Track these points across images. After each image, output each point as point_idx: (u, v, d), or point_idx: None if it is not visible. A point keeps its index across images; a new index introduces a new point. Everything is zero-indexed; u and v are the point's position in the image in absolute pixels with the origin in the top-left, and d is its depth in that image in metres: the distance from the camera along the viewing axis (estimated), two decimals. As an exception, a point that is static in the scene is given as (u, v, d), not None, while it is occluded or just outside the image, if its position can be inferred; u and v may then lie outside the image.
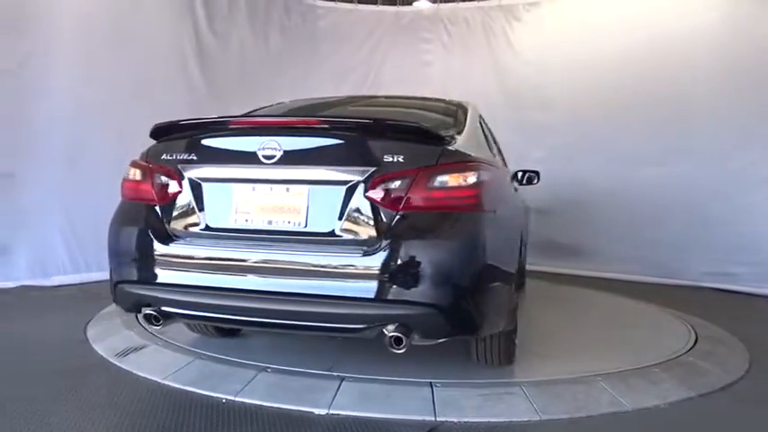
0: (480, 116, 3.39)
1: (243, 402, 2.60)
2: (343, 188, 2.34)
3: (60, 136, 5.11)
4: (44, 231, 5.10)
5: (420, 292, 2.23)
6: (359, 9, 7.75)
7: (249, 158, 2.43)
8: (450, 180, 2.33)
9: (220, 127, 2.59)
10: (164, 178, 2.59)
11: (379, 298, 2.26)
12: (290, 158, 2.40)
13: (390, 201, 2.30)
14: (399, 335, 2.25)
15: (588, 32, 6.66)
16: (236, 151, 2.52)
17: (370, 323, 2.29)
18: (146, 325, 3.56)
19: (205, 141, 2.60)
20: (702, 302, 5.18)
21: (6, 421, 2.37)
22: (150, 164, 2.65)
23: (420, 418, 2.49)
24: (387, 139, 2.39)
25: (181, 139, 2.63)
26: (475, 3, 7.52)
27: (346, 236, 2.35)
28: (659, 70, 6.16)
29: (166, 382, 2.81)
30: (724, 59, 5.83)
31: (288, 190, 2.43)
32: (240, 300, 2.40)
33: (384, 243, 2.27)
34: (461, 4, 7.61)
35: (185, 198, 2.54)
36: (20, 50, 4.98)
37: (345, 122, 2.55)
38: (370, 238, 2.31)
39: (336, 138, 2.45)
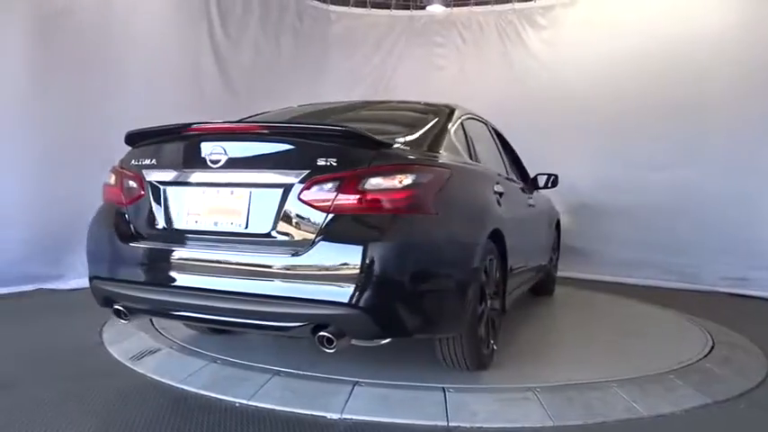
0: (465, 119, 3.45)
1: (256, 406, 2.60)
2: (280, 191, 2.43)
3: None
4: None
5: (345, 293, 2.26)
6: (372, 13, 7.78)
7: (199, 163, 2.56)
8: (382, 182, 2.37)
9: (177, 134, 2.70)
10: (131, 182, 2.78)
11: (307, 298, 2.31)
12: (234, 163, 2.51)
13: (321, 203, 2.37)
14: (328, 335, 2.31)
15: (604, 35, 6.63)
16: (189, 156, 2.65)
17: (300, 322, 2.35)
18: (156, 327, 3.63)
19: (165, 147, 2.76)
20: (719, 308, 5.12)
21: (22, 424, 2.39)
22: (122, 168, 2.85)
23: (432, 423, 2.48)
24: (321, 144, 2.45)
25: (147, 146, 2.80)
26: (489, 6, 7.53)
27: (281, 237, 2.44)
28: (675, 73, 6.13)
29: (180, 386, 2.82)
30: (741, 63, 5.77)
31: (232, 193, 2.55)
32: (188, 297, 2.53)
33: (313, 245, 2.33)
34: (475, 8, 7.61)
35: (147, 201, 2.71)
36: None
37: (283, 128, 2.64)
38: (303, 239, 2.38)
39: (275, 143, 2.56)
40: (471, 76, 7.33)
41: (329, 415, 2.53)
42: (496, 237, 3.03)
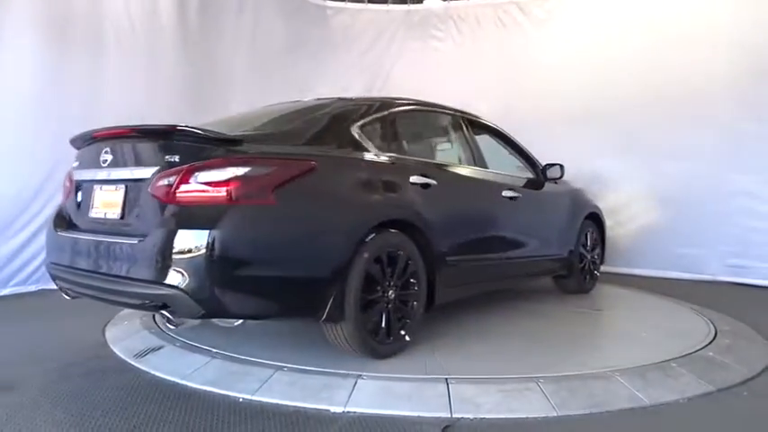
0: (401, 113, 3.61)
1: (260, 401, 2.62)
2: (141, 185, 2.74)
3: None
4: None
5: (171, 276, 2.51)
6: (369, 8, 7.76)
7: (97, 163, 2.97)
8: (212, 175, 2.58)
9: (90, 138, 3.08)
10: (68, 181, 3.28)
11: (146, 279, 2.60)
12: (115, 162, 2.91)
13: (163, 194, 2.62)
14: (165, 313, 2.62)
15: (603, 28, 6.62)
16: (93, 158, 3.03)
17: (146, 301, 2.64)
18: (163, 326, 3.64)
19: (84, 150, 3.18)
20: (721, 297, 5.12)
21: (26, 423, 2.40)
22: (70, 170, 3.30)
23: (436, 414, 2.49)
24: (170, 142, 2.72)
25: (79, 149, 3.24)
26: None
27: (137, 225, 2.75)
28: (677, 65, 6.10)
29: (184, 382, 2.84)
30: (741, 55, 5.75)
31: (116, 188, 2.90)
32: (85, 278, 2.89)
33: (154, 232, 2.60)
34: (472, 1, 7.58)
35: (74, 196, 3.17)
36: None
37: (144, 129, 2.88)
38: (150, 228, 2.65)
39: (139, 143, 2.89)
40: (469, 70, 7.31)
41: (333, 408, 2.54)
42: (407, 227, 3.15)
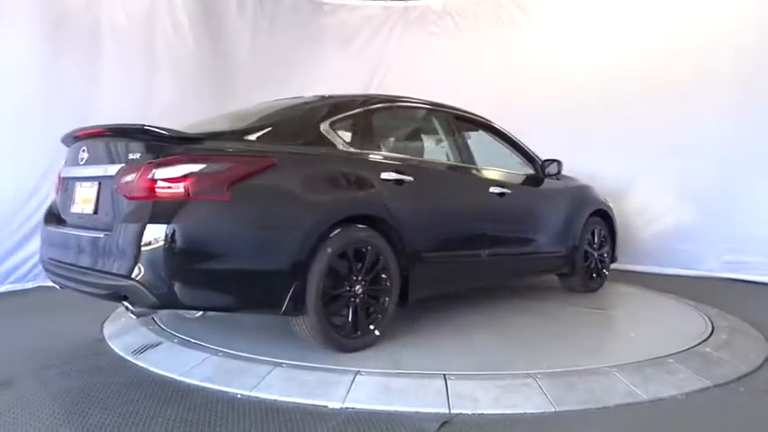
0: (378, 110, 3.64)
1: (258, 397, 2.62)
2: (109, 182, 2.85)
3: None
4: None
5: (128, 268, 2.64)
6: (366, 5, 7.73)
7: (77, 161, 3.14)
8: (167, 172, 2.66)
9: (74, 137, 3.21)
10: (57, 178, 3.41)
11: (108, 271, 2.73)
12: (90, 160, 3.06)
13: (125, 190, 2.73)
14: (125, 303, 2.75)
15: (603, 22, 6.59)
16: (74, 156, 3.19)
17: (108, 291, 2.77)
18: (160, 323, 3.64)
19: (70, 149, 3.31)
20: (719, 292, 5.13)
21: (24, 420, 2.40)
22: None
23: (435, 410, 2.49)
24: (134, 141, 2.84)
25: (68, 147, 3.35)
26: (484, -5, 7.47)
27: (105, 220, 2.86)
28: (677, 60, 6.08)
29: (182, 379, 2.84)
30: (744, 51, 5.74)
31: (91, 185, 3.01)
32: (69, 270, 3.01)
33: (116, 226, 2.74)
34: (470, -3, 7.55)
35: (62, 193, 3.31)
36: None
37: (113, 128, 2.98)
38: (113, 222, 2.79)
39: (111, 141, 3.00)
40: (467, 66, 7.29)
41: (331, 404, 2.54)
42: (376, 223, 3.19)
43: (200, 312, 2.88)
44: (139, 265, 2.60)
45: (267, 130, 3.10)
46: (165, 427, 2.32)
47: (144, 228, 2.62)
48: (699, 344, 3.35)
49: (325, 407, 2.53)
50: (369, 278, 3.15)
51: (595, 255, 4.92)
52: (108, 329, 3.71)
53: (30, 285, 5.07)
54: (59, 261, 3.10)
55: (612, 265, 5.95)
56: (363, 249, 3.12)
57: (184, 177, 2.64)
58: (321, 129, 3.23)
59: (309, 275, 2.87)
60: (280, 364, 2.87)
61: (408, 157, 3.76)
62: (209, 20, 6.47)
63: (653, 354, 3.09)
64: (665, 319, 4.05)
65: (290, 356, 2.96)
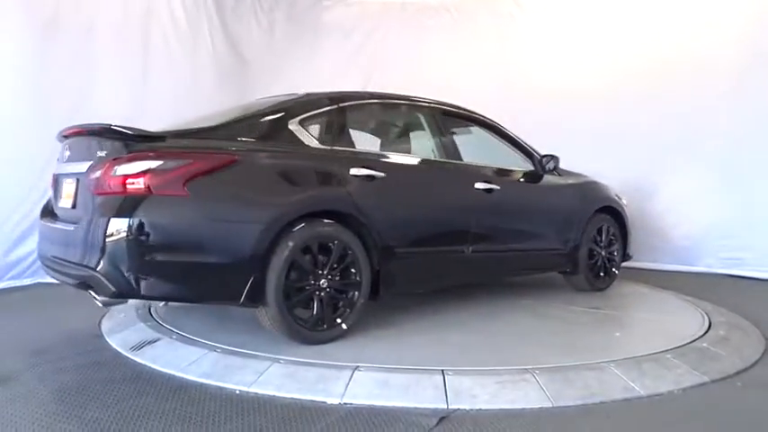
0: (352, 107, 3.66)
1: (256, 393, 2.62)
2: (83, 178, 3.01)
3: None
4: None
5: (89, 258, 2.81)
6: (364, 1, 7.71)
7: (63, 158, 3.31)
8: (127, 168, 2.80)
9: (61, 135, 3.34)
10: (52, 175, 3.53)
11: (78, 262, 2.92)
12: (71, 158, 3.23)
13: (92, 186, 2.89)
14: (91, 292, 2.89)
15: (603, 18, 6.57)
16: (61, 153, 3.36)
17: (77, 281, 2.97)
18: (159, 319, 3.64)
19: (60, 146, 3.42)
20: (717, 288, 5.14)
21: (22, 416, 2.40)
22: None
23: (433, 406, 2.50)
24: (103, 139, 2.99)
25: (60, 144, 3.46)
26: (482, -10, 7.44)
27: (80, 213, 3.01)
28: (673, 55, 6.07)
29: (180, 375, 2.84)
30: (741, 55, 5.74)
31: (71, 181, 3.16)
32: (56, 263, 3.18)
33: (84, 219, 2.91)
34: (468, -7, 7.53)
35: (54, 188, 3.43)
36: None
37: (87, 128, 3.12)
38: (83, 215, 2.95)
39: (86, 139, 3.14)
40: (464, 62, 7.26)
41: (329, 400, 2.55)
42: (344, 218, 3.24)
43: (163, 303, 3.06)
44: (100, 256, 2.76)
45: (234, 128, 3.22)
46: (163, 423, 2.32)
47: (105, 221, 2.76)
48: (696, 339, 3.35)
49: (324, 402, 2.54)
50: (336, 272, 3.20)
51: (603, 253, 4.77)
52: (106, 325, 3.71)
53: (28, 282, 5.07)
54: (51, 254, 3.25)
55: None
56: (330, 244, 3.17)
57: (142, 174, 2.77)
58: (290, 126, 3.30)
59: (269, 268, 2.96)
60: (278, 360, 2.86)
61: (382, 153, 3.81)
62: (203, 15, 6.45)
63: (651, 349, 3.09)
64: (660, 319, 4.02)
65: (288, 352, 2.96)
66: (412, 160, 3.97)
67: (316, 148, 3.33)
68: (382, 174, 3.43)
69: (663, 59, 6.12)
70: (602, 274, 4.78)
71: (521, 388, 2.64)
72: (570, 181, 4.72)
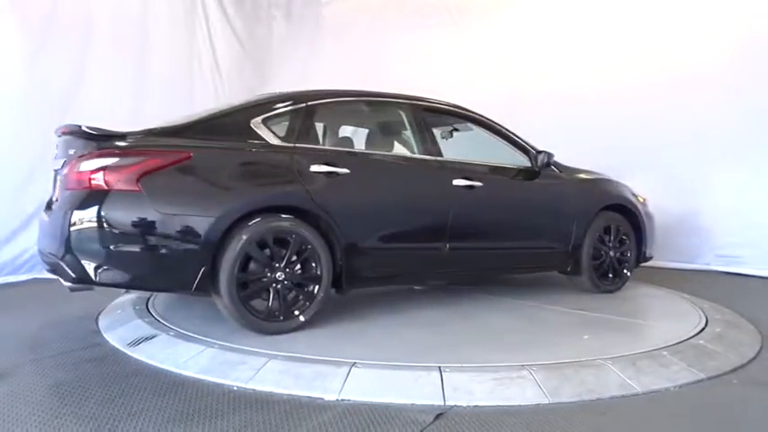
0: (319, 106, 3.72)
1: (254, 390, 2.63)
2: (60, 174, 3.25)
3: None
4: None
5: (56, 247, 3.07)
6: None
7: (55, 155, 3.45)
8: (86, 165, 3.02)
9: (55, 133, 3.45)
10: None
11: (50, 252, 3.18)
12: (57, 155, 3.39)
13: (63, 182, 3.16)
14: (60, 278, 3.12)
15: (603, 17, 6.56)
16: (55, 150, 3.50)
17: (50, 268, 3.27)
18: (156, 315, 3.65)
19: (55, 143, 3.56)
20: (713, 286, 5.15)
21: (19, 412, 2.40)
22: None
23: (430, 402, 2.50)
24: (75, 138, 3.20)
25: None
26: (482, -14, 7.43)
27: (56, 206, 3.25)
28: (672, 52, 6.07)
29: (178, 371, 2.84)
30: (742, 45, 5.73)
31: (58, 176, 3.32)
32: (42, 255, 3.40)
33: (56, 212, 3.17)
34: (466, -10, 7.51)
35: (53, 182, 3.53)
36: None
37: (66, 128, 3.29)
38: (57, 208, 3.19)
39: (66, 138, 3.31)
40: (465, 58, 7.25)
41: (327, 396, 2.55)
42: (303, 213, 3.33)
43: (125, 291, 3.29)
44: (63, 245, 3.01)
45: (197, 127, 3.37)
46: (160, 419, 2.32)
47: (68, 213, 3.01)
48: (693, 336, 3.36)
49: (321, 399, 2.54)
50: (294, 266, 3.29)
51: (611, 253, 4.57)
52: (103, 321, 3.72)
53: (25, 277, 5.07)
54: (40, 245, 3.47)
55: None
56: (288, 238, 3.26)
57: (99, 170, 2.99)
58: (251, 124, 3.41)
59: (223, 260, 3.10)
60: (275, 357, 2.87)
61: (349, 150, 3.86)
62: (205, 13, 6.44)
63: (647, 346, 3.09)
64: (659, 312, 4.02)
65: (285, 348, 2.96)
66: (380, 156, 3.96)
67: (276, 146, 3.41)
68: (346, 170, 3.48)
69: (663, 60, 6.12)
70: (610, 275, 4.60)
71: (518, 385, 2.64)
72: (570, 178, 4.55)
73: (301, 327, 3.29)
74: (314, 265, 3.33)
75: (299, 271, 3.32)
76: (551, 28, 6.87)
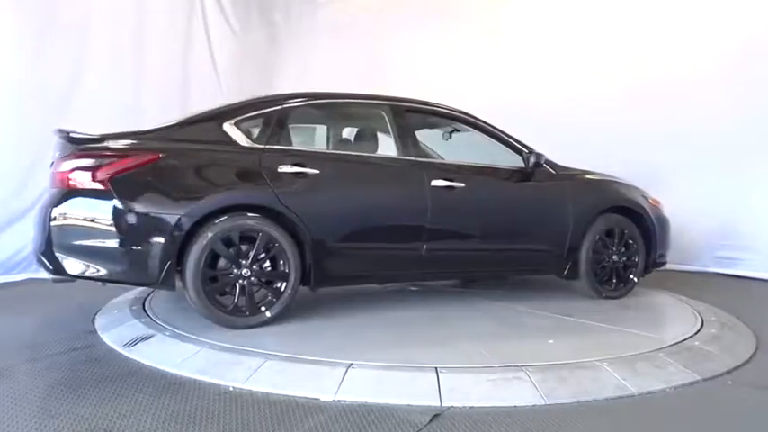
0: (299, 108, 3.89)
1: (250, 390, 2.63)
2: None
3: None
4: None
5: (37, 241, 3.35)
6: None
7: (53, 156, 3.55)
8: (64, 167, 3.28)
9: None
10: None
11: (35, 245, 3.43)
12: (53, 156, 3.51)
13: (50, 181, 3.41)
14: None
15: (604, 18, 6.57)
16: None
17: (37, 260, 3.44)
18: (153, 315, 3.64)
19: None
20: (710, 287, 5.17)
21: (15, 412, 2.40)
22: None
23: (426, 403, 2.50)
24: (64, 141, 3.37)
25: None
26: (482, -14, 7.42)
27: (42, 202, 3.46)
28: (671, 53, 6.10)
29: (174, 371, 2.84)
30: (740, 46, 5.75)
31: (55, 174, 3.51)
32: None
33: (40, 209, 3.39)
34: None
35: None
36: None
37: (57, 131, 3.46)
38: (42, 205, 3.41)
39: (57, 140, 3.46)
40: (464, 58, 7.25)
41: (323, 397, 2.55)
42: (270, 212, 3.43)
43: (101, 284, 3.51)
44: (41, 240, 3.28)
45: (171, 130, 3.54)
46: (156, 420, 2.32)
47: (48, 210, 3.25)
48: (688, 338, 3.37)
49: (317, 399, 2.54)
50: (260, 263, 3.41)
51: (614, 257, 4.41)
52: (99, 322, 3.71)
53: (20, 277, 5.05)
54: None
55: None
56: (254, 236, 3.39)
57: (75, 170, 3.23)
58: (224, 127, 3.55)
59: (188, 255, 3.26)
60: (271, 357, 2.87)
61: (320, 150, 4.08)
62: (203, 13, 6.44)
63: (643, 347, 3.10)
64: (656, 313, 4.01)
65: (281, 349, 2.96)
66: (354, 158, 3.96)
67: (246, 147, 3.54)
68: (315, 171, 3.57)
69: (663, 60, 6.13)
70: (613, 280, 4.43)
71: (514, 386, 2.65)
72: (565, 179, 4.38)
73: (267, 322, 3.38)
74: (281, 262, 3.44)
75: (268, 268, 3.45)
76: (551, 29, 6.88)
